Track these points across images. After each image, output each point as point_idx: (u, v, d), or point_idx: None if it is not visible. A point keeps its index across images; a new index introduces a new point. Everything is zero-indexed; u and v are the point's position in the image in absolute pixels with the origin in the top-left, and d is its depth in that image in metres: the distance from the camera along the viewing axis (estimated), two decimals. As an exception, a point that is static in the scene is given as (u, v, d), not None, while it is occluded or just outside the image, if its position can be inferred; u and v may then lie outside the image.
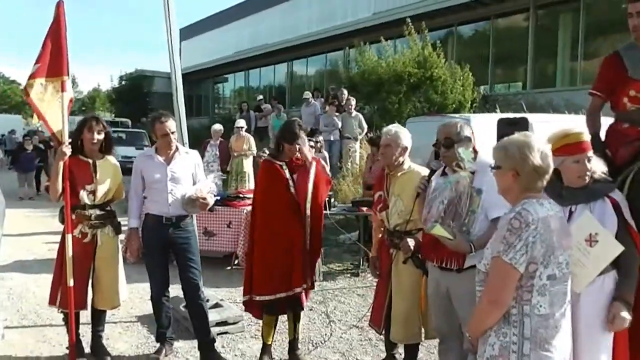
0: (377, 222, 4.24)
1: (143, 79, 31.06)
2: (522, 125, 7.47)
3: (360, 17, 20.27)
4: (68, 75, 4.36)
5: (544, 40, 15.81)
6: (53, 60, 4.32)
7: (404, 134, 3.97)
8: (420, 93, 13.12)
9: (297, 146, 4.21)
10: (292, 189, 4.23)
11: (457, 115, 9.99)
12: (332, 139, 11.62)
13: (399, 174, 3.94)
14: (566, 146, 2.83)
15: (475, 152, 3.35)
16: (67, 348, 4.46)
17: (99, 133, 4.34)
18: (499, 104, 13.62)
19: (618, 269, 2.80)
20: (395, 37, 15.01)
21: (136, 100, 28.48)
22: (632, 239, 2.80)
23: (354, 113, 12.09)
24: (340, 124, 12.00)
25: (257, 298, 4.24)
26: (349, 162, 11.48)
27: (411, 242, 3.75)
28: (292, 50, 23.82)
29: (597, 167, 2.90)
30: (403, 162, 3.96)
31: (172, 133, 4.41)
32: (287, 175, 4.24)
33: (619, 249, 2.72)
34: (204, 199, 4.40)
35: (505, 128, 6.89)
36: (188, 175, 4.49)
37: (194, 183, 4.51)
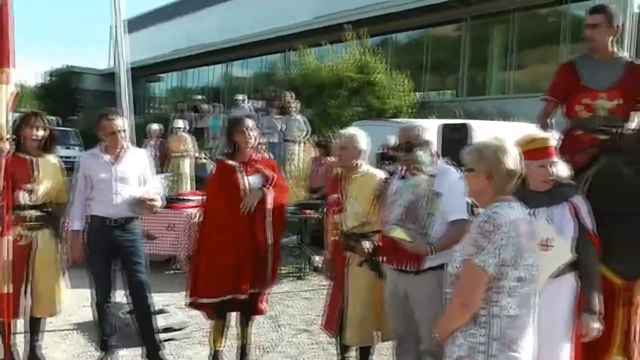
0: (331, 225, 4.20)
1: (72, 75, 29.89)
2: (465, 131, 7.73)
3: (301, 21, 20.32)
4: (14, 66, 4.07)
5: (476, 50, 16.37)
6: None
7: (361, 137, 3.96)
8: (360, 98, 13.27)
9: (249, 132, 4.09)
10: (247, 192, 4.09)
11: (399, 120, 10.18)
12: (273, 141, 11.53)
13: (355, 176, 3.92)
14: (533, 151, 2.88)
15: (434, 155, 3.37)
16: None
17: (40, 129, 4.10)
18: (435, 110, 13.96)
19: (580, 276, 2.88)
20: (335, 41, 15.11)
21: (65, 98, 27.36)
22: (591, 245, 2.88)
23: (296, 116, 12.06)
24: (281, 127, 11.94)
25: (203, 300, 4.13)
26: (290, 165, 11.43)
27: (367, 245, 3.73)
28: (230, 51, 23.59)
29: (562, 171, 2.97)
30: (359, 164, 3.95)
31: (120, 131, 4.22)
32: (242, 179, 4.11)
33: (569, 256, 2.82)
34: (152, 200, 4.24)
35: (448, 133, 7.11)
36: (136, 175, 4.31)
37: (142, 184, 4.34)
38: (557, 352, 2.84)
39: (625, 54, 3.70)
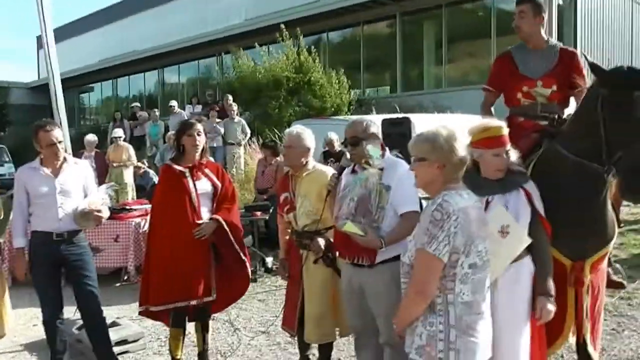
0: (283, 224, 4.21)
1: (-3, 90, 28.67)
2: (406, 124, 7.85)
3: (233, 23, 20.17)
4: None
5: (410, 46, 16.68)
6: None
7: (307, 135, 3.98)
8: (299, 97, 13.32)
9: (198, 136, 4.07)
10: (195, 199, 4.06)
11: (341, 117, 10.26)
12: (215, 145, 11.40)
13: (304, 174, 3.95)
14: (486, 139, 2.92)
15: (383, 149, 3.42)
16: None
17: None
18: (373, 106, 14.16)
19: (533, 259, 2.96)
20: (269, 42, 15.09)
21: (-10, 113, 26.25)
22: (543, 229, 2.97)
23: (237, 119, 11.98)
24: (222, 130, 11.83)
25: (153, 308, 4.07)
26: (233, 168, 11.35)
27: (321, 242, 3.76)
28: (163, 57, 23.10)
29: (512, 158, 3.03)
30: (307, 162, 3.98)
31: (59, 142, 4.09)
32: (190, 184, 4.06)
33: (527, 241, 2.87)
34: (99, 211, 4.13)
35: (389, 128, 7.20)
36: (79, 187, 4.18)
37: (85, 195, 4.22)
38: (518, 335, 2.90)
39: (557, 42, 3.84)
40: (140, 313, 4.22)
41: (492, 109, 3.93)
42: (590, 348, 3.27)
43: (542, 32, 3.73)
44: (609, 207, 3.16)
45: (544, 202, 3.00)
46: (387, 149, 3.45)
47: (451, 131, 2.50)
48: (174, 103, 14.28)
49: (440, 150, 2.45)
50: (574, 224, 3.06)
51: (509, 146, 2.98)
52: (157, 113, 14.74)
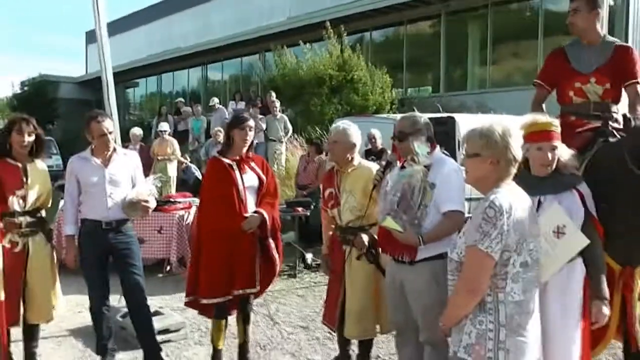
0: (327, 220, 4.22)
1: (47, 84, 29.37)
2: (450, 124, 7.79)
3: (276, 21, 20.29)
4: None
5: (453, 46, 16.48)
6: None
7: (352, 131, 3.96)
8: (341, 95, 13.32)
9: (250, 131, 4.12)
10: (242, 192, 4.09)
11: (383, 115, 10.22)
12: (257, 141, 11.47)
13: (349, 170, 3.94)
14: (532, 133, 2.89)
15: (433, 146, 3.38)
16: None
17: (29, 135, 4.05)
18: (415, 106, 14.05)
19: (586, 264, 2.89)
20: (312, 41, 15.12)
21: (41, 107, 26.93)
22: (596, 231, 2.90)
23: (279, 115, 12.05)
24: (264, 127, 11.92)
25: (205, 301, 4.11)
26: (275, 165, 11.42)
27: (365, 238, 3.76)
28: (207, 54, 23.42)
29: (567, 159, 2.97)
30: (352, 158, 3.96)
31: (110, 133, 4.18)
32: (237, 176, 4.10)
33: (584, 242, 2.80)
34: (146, 201, 4.21)
35: (433, 127, 7.15)
36: (127, 177, 4.26)
37: (134, 186, 4.31)
38: (569, 339, 2.85)
39: (614, 38, 3.71)
40: (186, 304, 4.27)
41: (544, 105, 3.83)
42: None
43: (598, 26, 3.61)
44: None
45: (596, 204, 2.92)
46: (437, 146, 3.41)
47: (506, 127, 2.46)
48: (215, 100, 14.46)
49: (495, 146, 2.41)
50: (628, 229, 2.98)
51: (556, 142, 2.92)
52: (200, 108, 14.94)
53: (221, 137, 10.46)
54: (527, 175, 2.86)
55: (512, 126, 2.52)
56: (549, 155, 2.92)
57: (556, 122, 2.97)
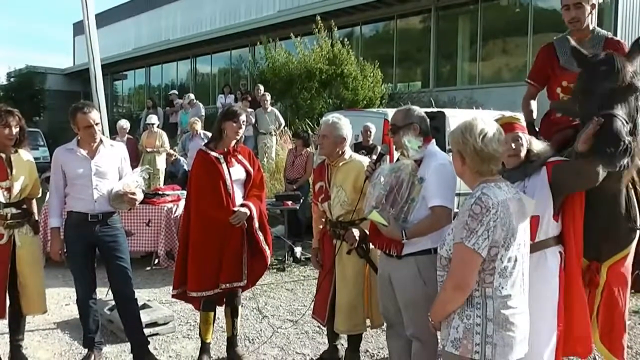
0: (317, 214, 4.19)
1: (34, 75, 29.06)
2: (440, 118, 7.78)
3: (265, 15, 20.20)
4: None
5: (444, 42, 16.49)
6: None
7: (342, 124, 3.92)
8: (331, 89, 13.28)
9: (242, 125, 4.09)
10: (229, 185, 4.06)
11: (373, 110, 10.19)
12: (245, 134, 11.42)
13: (340, 164, 3.91)
14: None
15: (428, 141, 3.35)
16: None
17: (15, 127, 3.98)
18: (405, 101, 14.04)
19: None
20: (301, 34, 15.07)
21: (27, 99, 26.63)
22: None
23: (270, 108, 12.00)
24: (253, 120, 11.86)
25: (193, 294, 4.08)
26: (265, 158, 11.38)
27: (356, 233, 3.73)
28: (195, 47, 23.27)
29: (540, 149, 3.01)
30: (343, 152, 3.93)
31: (97, 124, 4.11)
32: (224, 169, 4.06)
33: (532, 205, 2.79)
34: (133, 193, 4.15)
35: (423, 122, 7.14)
36: (114, 169, 4.21)
37: (120, 178, 4.25)
38: (542, 323, 2.87)
39: (603, 31, 3.65)
40: (173, 296, 4.24)
41: (534, 102, 3.82)
42: (597, 345, 3.24)
43: (589, 20, 3.56)
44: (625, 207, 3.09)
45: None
46: (433, 140, 3.38)
47: (469, 123, 2.47)
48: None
49: (457, 142, 2.47)
50: (593, 226, 3.00)
51: (520, 133, 3.00)
52: (189, 101, 14.84)
53: (199, 127, 10.39)
54: (502, 169, 2.87)
55: (487, 122, 2.50)
56: (512, 145, 2.97)
57: (518, 116, 3.06)
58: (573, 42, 2.96)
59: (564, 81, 3.56)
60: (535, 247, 2.90)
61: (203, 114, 13.20)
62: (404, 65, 17.84)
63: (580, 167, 2.78)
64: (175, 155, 10.90)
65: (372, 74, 13.60)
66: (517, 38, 15.00)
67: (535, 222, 2.86)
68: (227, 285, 4.08)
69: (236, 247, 4.07)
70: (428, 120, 3.46)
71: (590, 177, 2.76)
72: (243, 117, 4.12)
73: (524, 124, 3.04)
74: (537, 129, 3.66)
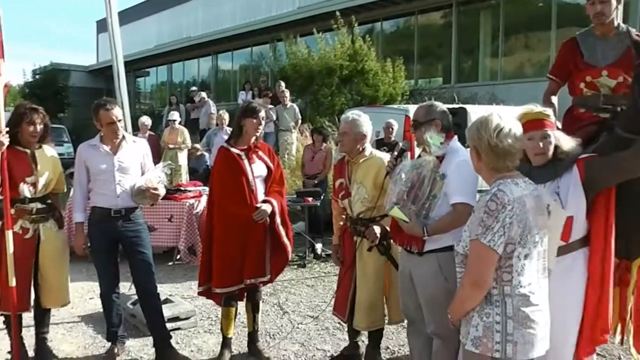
0: (337, 210, 4.19)
1: (58, 72, 29.45)
2: (461, 115, 7.72)
3: (285, 11, 20.21)
4: (3, 58, 4.01)
5: (465, 37, 16.34)
6: None
7: (363, 121, 3.90)
8: (351, 86, 13.25)
9: (262, 121, 4.10)
10: (252, 181, 4.07)
11: (394, 106, 10.15)
12: (267, 131, 11.46)
13: (360, 160, 3.90)
14: (525, 124, 2.79)
15: (450, 137, 3.32)
16: (8, 353, 4.15)
17: (40, 124, 4.05)
18: (426, 97, 13.96)
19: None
20: (322, 31, 15.04)
21: (52, 96, 27.02)
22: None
23: (289, 105, 12.01)
24: (274, 116, 11.89)
25: (218, 290, 4.10)
26: (285, 154, 11.40)
27: (377, 230, 3.72)
28: (217, 44, 23.40)
29: (569, 147, 2.92)
30: (363, 149, 3.92)
31: (119, 121, 4.16)
32: (246, 165, 4.08)
33: (565, 215, 2.78)
34: (155, 189, 4.20)
35: (445, 118, 7.09)
36: (136, 165, 4.26)
37: (143, 174, 4.30)
38: (567, 324, 2.85)
39: (629, 28, 3.56)
40: (199, 293, 4.26)
41: (554, 98, 3.77)
42: (633, 350, 3.18)
43: (614, 15, 3.49)
44: None
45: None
46: (455, 136, 3.35)
47: (484, 118, 2.45)
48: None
49: (472, 138, 2.46)
50: (625, 222, 2.94)
51: (548, 131, 2.89)
52: (199, 99, 14.93)
53: (226, 119, 10.38)
54: (525, 166, 2.83)
55: (507, 117, 2.46)
56: (540, 143, 2.88)
57: (548, 112, 2.92)
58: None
59: (588, 76, 3.50)
60: (569, 247, 2.87)
61: (213, 111, 13.27)
62: (425, 61, 17.73)
63: (626, 157, 2.73)
64: (200, 151, 10.94)
65: (392, 70, 13.52)
66: (539, 33, 14.79)
67: (569, 222, 2.82)
68: (252, 280, 4.11)
69: (259, 243, 4.09)
70: (450, 116, 3.42)
71: (636, 165, 2.72)
72: (262, 114, 4.13)
73: (553, 119, 2.96)
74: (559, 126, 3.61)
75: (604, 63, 3.48)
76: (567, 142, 2.94)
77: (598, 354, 3.86)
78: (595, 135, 3.28)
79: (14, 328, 3.96)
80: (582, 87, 3.55)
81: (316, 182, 8.17)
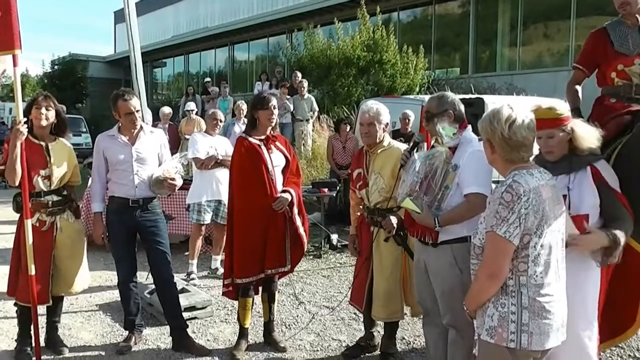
0: (355, 200, 4.18)
1: (77, 63, 29.73)
2: (478, 105, 7.66)
3: (302, 1, 20.13)
4: (20, 48, 4.00)
5: (483, 27, 16.17)
6: (3, 32, 3.94)
7: (384, 111, 3.89)
8: (369, 76, 13.18)
9: (275, 110, 4.10)
10: (272, 171, 4.07)
11: (411, 97, 10.09)
12: (284, 121, 11.48)
13: (379, 150, 3.88)
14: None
15: (464, 127, 3.30)
16: (15, 340, 4.19)
17: (47, 109, 4.01)
18: (443, 87, 13.84)
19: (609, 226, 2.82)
20: (340, 20, 14.95)
21: (70, 86, 27.28)
22: (622, 207, 2.83)
23: (306, 95, 11.99)
24: (292, 107, 11.87)
25: (239, 281, 4.12)
26: (302, 145, 11.40)
27: (394, 220, 3.70)
28: (233, 34, 23.42)
29: (583, 142, 2.87)
30: (382, 139, 3.90)
31: (137, 111, 4.18)
32: (265, 154, 4.08)
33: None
34: (173, 179, 4.22)
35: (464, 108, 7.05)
36: (154, 155, 4.29)
37: (160, 164, 4.32)
38: (584, 316, 2.83)
39: None
40: (224, 286, 4.24)
41: (579, 87, 3.71)
42: None
43: None
44: None
45: (625, 188, 2.84)
46: (469, 126, 3.32)
47: (497, 110, 2.42)
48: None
49: (484, 130, 2.44)
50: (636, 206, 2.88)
51: (556, 130, 2.86)
52: (227, 89, 14.97)
53: (244, 109, 10.32)
54: (540, 159, 2.80)
55: (520, 108, 2.43)
56: (543, 143, 2.88)
57: (559, 107, 2.88)
58: None
59: (620, 64, 3.45)
60: None
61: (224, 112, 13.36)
62: (443, 51, 17.59)
63: None
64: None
65: (410, 61, 13.40)
66: (559, 22, 14.59)
67: (584, 220, 2.80)
68: (272, 271, 4.14)
69: (279, 233, 4.11)
70: (462, 106, 3.40)
71: None
72: (273, 102, 4.12)
73: (564, 114, 2.89)
74: (588, 117, 3.55)
75: (636, 51, 3.44)
76: (584, 140, 2.88)
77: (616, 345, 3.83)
78: (629, 124, 3.24)
79: (34, 320, 3.97)
80: (614, 77, 3.50)
81: (349, 172, 8.19)
